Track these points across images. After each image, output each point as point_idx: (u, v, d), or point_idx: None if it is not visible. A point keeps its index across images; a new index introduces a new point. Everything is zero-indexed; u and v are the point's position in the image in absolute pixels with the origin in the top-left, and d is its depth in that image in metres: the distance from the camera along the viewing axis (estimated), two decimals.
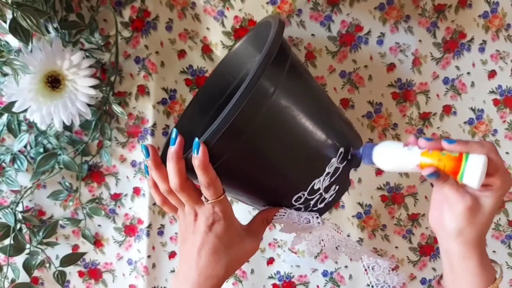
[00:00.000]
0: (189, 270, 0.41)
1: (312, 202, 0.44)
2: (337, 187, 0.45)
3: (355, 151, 0.44)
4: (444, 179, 0.39)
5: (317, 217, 0.44)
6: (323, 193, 0.44)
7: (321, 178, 0.43)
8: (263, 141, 0.40)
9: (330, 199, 0.45)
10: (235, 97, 0.37)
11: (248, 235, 0.44)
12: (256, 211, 0.48)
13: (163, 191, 0.42)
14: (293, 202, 0.44)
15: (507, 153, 0.61)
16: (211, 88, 0.55)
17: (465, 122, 0.60)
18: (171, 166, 0.39)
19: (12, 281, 0.59)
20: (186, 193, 0.40)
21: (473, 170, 0.37)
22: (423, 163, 0.39)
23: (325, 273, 0.62)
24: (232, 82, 0.55)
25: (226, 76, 0.55)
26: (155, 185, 0.43)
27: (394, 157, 0.41)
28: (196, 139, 0.38)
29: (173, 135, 0.40)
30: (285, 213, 0.44)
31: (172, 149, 0.39)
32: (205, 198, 0.40)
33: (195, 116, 0.55)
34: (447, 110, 0.60)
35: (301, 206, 0.45)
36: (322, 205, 0.45)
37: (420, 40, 0.57)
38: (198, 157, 0.38)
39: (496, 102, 0.60)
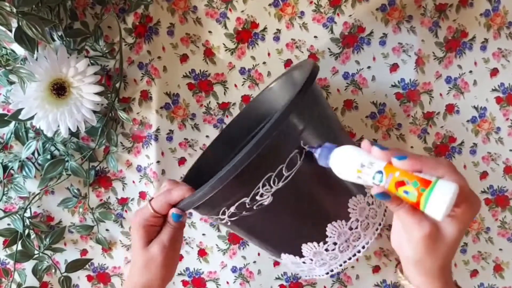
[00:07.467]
0: None
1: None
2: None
3: (311, 149, 0.39)
4: (397, 202, 0.33)
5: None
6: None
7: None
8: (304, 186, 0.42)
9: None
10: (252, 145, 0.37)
11: None
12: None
13: None
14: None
15: (511, 150, 0.61)
16: (243, 120, 0.57)
17: (468, 121, 0.60)
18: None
19: (19, 285, 0.59)
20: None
21: (440, 199, 0.30)
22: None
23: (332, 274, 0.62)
24: (264, 118, 0.56)
25: (259, 111, 0.56)
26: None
27: (352, 165, 0.35)
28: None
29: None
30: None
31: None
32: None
33: (223, 146, 0.56)
34: (450, 109, 0.60)
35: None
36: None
37: (422, 40, 0.57)
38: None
39: (498, 100, 0.60)
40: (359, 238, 0.44)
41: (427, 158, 0.32)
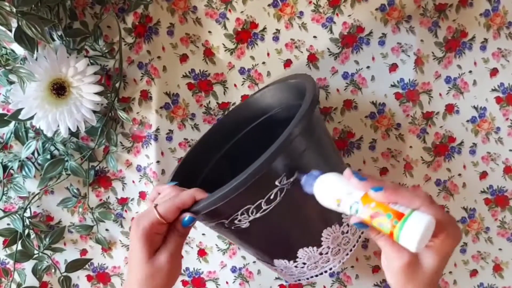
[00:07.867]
0: None
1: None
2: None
3: (298, 176, 0.39)
4: (376, 231, 0.33)
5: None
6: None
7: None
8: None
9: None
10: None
11: None
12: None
13: None
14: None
15: (510, 150, 0.61)
16: (231, 121, 0.57)
17: (468, 121, 0.61)
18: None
19: (19, 285, 0.59)
20: None
21: (412, 232, 0.30)
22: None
23: (331, 274, 0.63)
24: (253, 121, 0.56)
25: (248, 114, 0.57)
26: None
27: (332, 194, 0.35)
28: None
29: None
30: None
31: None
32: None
33: (209, 145, 0.57)
34: (450, 109, 0.60)
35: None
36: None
37: (422, 40, 0.57)
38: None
39: (498, 99, 0.60)
40: (328, 261, 0.46)
41: (404, 190, 0.33)
